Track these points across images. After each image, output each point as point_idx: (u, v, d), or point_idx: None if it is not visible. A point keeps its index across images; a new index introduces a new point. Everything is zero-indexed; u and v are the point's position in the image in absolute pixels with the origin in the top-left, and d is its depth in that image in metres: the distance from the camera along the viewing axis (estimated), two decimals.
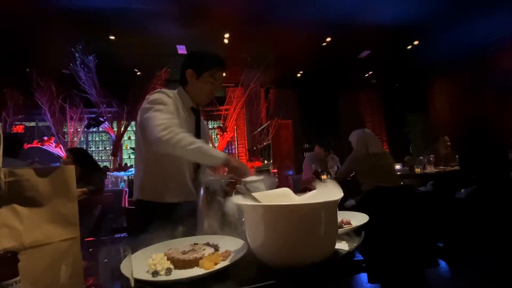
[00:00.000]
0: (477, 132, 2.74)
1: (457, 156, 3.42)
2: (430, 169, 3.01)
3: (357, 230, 0.80)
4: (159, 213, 0.99)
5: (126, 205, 4.06)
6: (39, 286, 0.49)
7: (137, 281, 0.53)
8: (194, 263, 0.61)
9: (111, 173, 4.71)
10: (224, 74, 1.30)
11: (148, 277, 0.55)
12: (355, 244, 0.69)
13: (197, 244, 0.72)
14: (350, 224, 0.83)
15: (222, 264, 0.59)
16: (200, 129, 1.31)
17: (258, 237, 0.57)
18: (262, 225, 0.56)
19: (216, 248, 0.70)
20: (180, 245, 0.72)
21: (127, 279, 0.39)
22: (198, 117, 1.31)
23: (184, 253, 0.65)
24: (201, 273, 0.55)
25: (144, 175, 1.21)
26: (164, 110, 1.10)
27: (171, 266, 0.60)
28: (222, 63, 1.27)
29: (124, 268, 0.40)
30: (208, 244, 0.72)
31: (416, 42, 5.22)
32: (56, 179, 0.56)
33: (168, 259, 0.62)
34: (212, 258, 0.60)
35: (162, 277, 0.56)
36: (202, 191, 0.89)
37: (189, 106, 1.28)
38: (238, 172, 0.98)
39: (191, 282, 0.53)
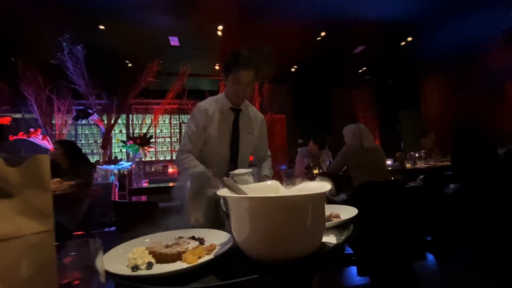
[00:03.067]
0: (467, 129, 2.77)
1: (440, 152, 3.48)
2: (420, 164, 3.04)
3: (346, 224, 0.79)
4: None
5: (116, 199, 4.01)
6: (8, 281, 0.46)
7: (115, 276, 0.51)
8: (176, 257, 0.59)
9: (101, 167, 4.63)
10: (250, 74, 1.34)
11: (127, 271, 0.53)
12: (343, 238, 0.68)
13: (182, 237, 0.70)
14: (339, 217, 0.82)
15: (205, 258, 0.57)
16: (238, 127, 1.46)
17: (243, 230, 0.55)
18: (247, 218, 0.54)
19: (201, 241, 0.68)
20: (165, 238, 0.70)
21: (97, 273, 0.36)
22: (237, 115, 1.46)
23: (167, 246, 0.62)
24: (183, 268, 0.53)
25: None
26: (190, 133, 1.40)
27: (153, 260, 0.57)
28: (242, 63, 1.31)
29: (98, 261, 0.38)
30: (193, 238, 0.70)
31: (409, 39, 5.24)
32: (29, 168, 0.52)
33: (149, 253, 0.60)
34: (196, 252, 0.58)
35: (142, 272, 0.54)
36: (188, 184, 0.86)
37: (227, 107, 1.43)
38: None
39: (172, 276, 0.51)
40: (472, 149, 2.62)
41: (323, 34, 4.89)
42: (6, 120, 5.22)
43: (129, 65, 5.32)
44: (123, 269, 0.54)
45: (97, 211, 2.91)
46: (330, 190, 0.59)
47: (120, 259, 0.58)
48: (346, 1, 3.99)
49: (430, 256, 2.46)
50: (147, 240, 0.70)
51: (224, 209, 0.79)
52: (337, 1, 3.99)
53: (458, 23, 4.76)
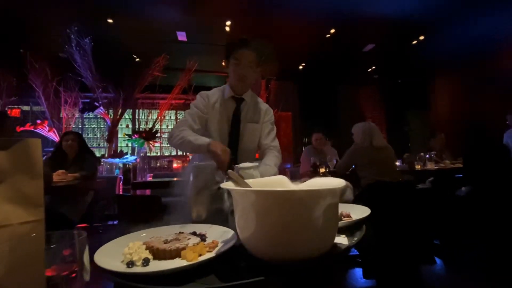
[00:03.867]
0: (480, 130, 2.68)
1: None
2: (430, 166, 2.96)
3: (358, 224, 0.74)
4: None
5: (121, 192, 4.01)
6: None
7: (107, 272, 0.47)
8: (175, 253, 0.54)
9: (106, 160, 4.64)
10: (251, 54, 1.30)
11: (121, 268, 0.49)
12: (355, 239, 0.63)
13: (182, 233, 0.66)
14: (350, 217, 0.77)
15: (206, 256, 0.52)
16: (239, 116, 1.38)
17: (248, 227, 0.51)
18: (252, 213, 0.49)
19: (202, 238, 0.64)
20: (164, 233, 0.66)
21: (82, 268, 0.32)
22: (238, 105, 1.38)
23: (165, 242, 0.58)
24: (181, 265, 0.48)
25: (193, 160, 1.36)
26: (191, 112, 1.32)
27: (150, 257, 0.53)
28: (241, 43, 1.29)
29: (84, 255, 0.34)
30: (194, 234, 0.66)
31: (421, 37, 5.10)
32: (18, 153, 0.48)
33: (147, 248, 0.55)
34: (197, 249, 0.54)
35: (137, 269, 0.49)
36: (191, 177, 0.82)
37: (228, 95, 1.37)
38: (217, 160, 1.00)
39: (170, 275, 0.47)
40: (484, 150, 2.53)
41: (332, 31, 4.79)
42: (15, 112, 5.28)
43: (136, 59, 5.31)
44: (117, 265, 0.50)
45: (101, 204, 2.91)
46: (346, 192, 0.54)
47: (115, 254, 0.54)
48: None
49: (438, 260, 2.39)
50: (145, 234, 0.66)
51: (228, 203, 0.74)
52: None
53: (472, 22, 4.62)
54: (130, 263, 0.50)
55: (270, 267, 0.48)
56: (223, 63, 1.38)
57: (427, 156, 2.99)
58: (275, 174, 1.24)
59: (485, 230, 2.35)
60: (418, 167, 2.95)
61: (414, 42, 5.27)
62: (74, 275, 0.37)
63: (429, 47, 5.46)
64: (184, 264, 0.49)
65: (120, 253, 0.54)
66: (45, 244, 0.36)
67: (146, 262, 0.51)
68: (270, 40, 4.81)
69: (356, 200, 2.17)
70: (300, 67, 6.29)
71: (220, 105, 1.36)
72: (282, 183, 0.68)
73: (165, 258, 0.54)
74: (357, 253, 2.28)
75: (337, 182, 0.54)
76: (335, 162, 2.90)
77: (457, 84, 6.41)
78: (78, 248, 0.33)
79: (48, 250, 0.37)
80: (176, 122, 1.33)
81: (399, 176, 2.32)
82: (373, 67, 6.49)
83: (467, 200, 2.53)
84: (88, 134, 6.38)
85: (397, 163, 3.44)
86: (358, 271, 2.19)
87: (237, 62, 1.29)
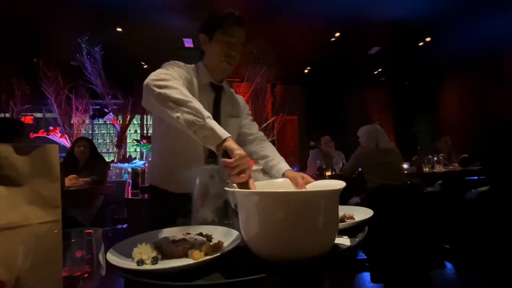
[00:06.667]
0: (490, 133, 2.63)
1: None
2: (439, 168, 2.92)
3: (361, 225, 0.75)
4: (168, 201, 0.99)
5: (129, 196, 4.08)
6: (14, 269, 0.46)
7: (119, 269, 0.50)
8: (182, 253, 0.57)
9: (115, 165, 4.73)
10: (243, 33, 1.05)
11: (132, 265, 0.52)
12: (357, 240, 0.65)
13: (189, 233, 0.69)
14: (353, 218, 0.79)
15: (212, 255, 0.55)
16: (219, 109, 1.06)
17: (252, 228, 0.53)
18: (255, 214, 0.52)
19: (208, 238, 0.66)
20: (172, 234, 0.69)
21: (99, 264, 0.35)
22: (218, 95, 1.08)
23: (173, 242, 0.61)
24: (188, 264, 0.51)
25: (156, 161, 1.13)
26: (166, 70, 0.93)
27: (158, 255, 0.56)
28: (236, 17, 1.03)
29: (99, 253, 0.37)
30: (201, 234, 0.68)
31: (428, 39, 5.07)
32: (38, 158, 0.52)
33: (155, 248, 0.58)
34: (203, 249, 0.56)
35: (147, 266, 0.52)
36: (197, 180, 0.85)
37: (206, 81, 1.05)
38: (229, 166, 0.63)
39: (177, 272, 0.49)
40: (495, 152, 2.48)
41: (337, 34, 4.81)
42: (28, 119, 5.46)
43: (144, 66, 5.43)
44: (129, 263, 0.53)
45: (110, 208, 2.97)
46: None
47: (126, 253, 0.57)
48: (362, 0, 3.91)
49: (448, 265, 2.34)
50: (154, 235, 0.69)
51: (233, 206, 0.77)
52: (352, 0, 3.91)
53: (480, 22, 4.57)
54: (140, 261, 0.53)
55: (272, 266, 0.50)
56: (200, 38, 1.07)
57: (435, 158, 2.95)
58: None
59: (496, 234, 2.30)
60: (426, 169, 2.92)
61: (421, 44, 5.23)
62: (86, 275, 0.40)
63: (436, 49, 5.41)
64: (191, 263, 0.51)
65: (130, 252, 0.57)
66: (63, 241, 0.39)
67: (155, 260, 0.54)
68: (275, 44, 4.87)
69: (362, 204, 2.17)
70: (306, 71, 6.31)
71: (199, 90, 1.02)
72: (285, 186, 0.71)
73: (173, 257, 0.57)
74: (365, 257, 2.26)
75: (337, 184, 0.56)
76: (341, 165, 2.90)
77: (466, 85, 6.32)
78: (95, 244, 0.36)
79: (64, 249, 0.40)
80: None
81: (406, 179, 2.30)
82: (380, 70, 6.46)
83: (478, 203, 2.48)
84: (98, 140, 6.52)
85: (406, 166, 3.41)
86: (366, 275, 2.17)
87: (229, 39, 1.02)
